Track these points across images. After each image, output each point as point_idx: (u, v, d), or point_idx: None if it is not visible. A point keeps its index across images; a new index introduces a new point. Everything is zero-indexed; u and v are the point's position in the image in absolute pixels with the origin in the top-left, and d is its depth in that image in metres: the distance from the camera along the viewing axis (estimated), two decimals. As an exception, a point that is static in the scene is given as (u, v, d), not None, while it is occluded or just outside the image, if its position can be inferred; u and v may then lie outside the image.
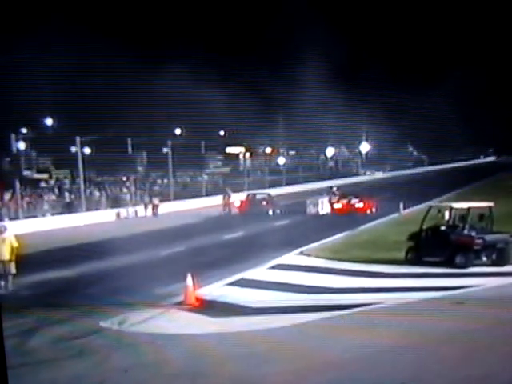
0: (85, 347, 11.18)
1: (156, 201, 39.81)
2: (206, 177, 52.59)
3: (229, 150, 66.92)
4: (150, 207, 39.65)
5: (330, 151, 71.71)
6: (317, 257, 20.11)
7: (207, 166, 53.40)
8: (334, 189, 38.15)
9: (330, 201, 36.20)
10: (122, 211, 39.35)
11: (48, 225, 33.55)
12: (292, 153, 71.04)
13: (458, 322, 11.61)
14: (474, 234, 17.78)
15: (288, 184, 56.96)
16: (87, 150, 42.65)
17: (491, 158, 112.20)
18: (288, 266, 18.87)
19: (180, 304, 14.15)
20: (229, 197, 40.02)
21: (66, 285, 17.18)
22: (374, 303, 13.64)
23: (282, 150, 65.78)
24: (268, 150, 66.39)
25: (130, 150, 46.87)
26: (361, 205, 34.61)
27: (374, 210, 34.08)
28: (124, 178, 45.64)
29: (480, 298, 13.88)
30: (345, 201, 35.63)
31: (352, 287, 15.46)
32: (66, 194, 39.89)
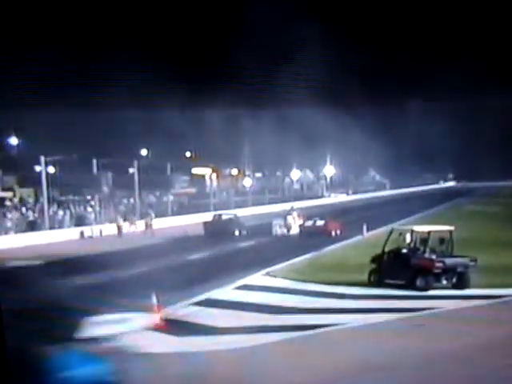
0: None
1: (120, 221, 39.31)
2: (171, 197, 52.53)
3: (195, 170, 67.02)
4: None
5: (295, 174, 72.41)
6: (283, 278, 20.29)
7: (173, 187, 53.39)
8: (295, 211, 38.15)
9: (285, 221, 36.32)
10: (87, 230, 38.94)
11: (11, 243, 33.05)
12: (258, 175, 71.54)
13: (418, 344, 11.85)
14: (434, 257, 18.18)
15: (254, 205, 57.19)
16: (51, 170, 42.30)
17: (451, 184, 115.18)
18: (254, 286, 18.99)
19: (144, 323, 14.07)
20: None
21: (23, 304, 16.89)
22: (338, 324, 13.85)
23: (248, 172, 66.19)
24: (234, 171, 66.70)
25: (95, 170, 46.62)
26: (326, 227, 34.89)
27: (338, 231, 34.43)
28: (89, 197, 45.27)
29: (440, 320, 14.20)
30: (310, 223, 35.87)
31: (316, 308, 15.65)
32: (30, 212, 39.38)
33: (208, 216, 41.02)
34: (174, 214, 48.83)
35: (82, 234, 38.41)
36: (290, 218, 36.64)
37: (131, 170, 47.23)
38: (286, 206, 42.74)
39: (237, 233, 36.01)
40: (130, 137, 52.44)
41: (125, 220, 40.57)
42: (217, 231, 35.60)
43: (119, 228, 38.45)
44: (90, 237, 38.25)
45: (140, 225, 40.36)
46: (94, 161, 45.77)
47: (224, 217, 39.03)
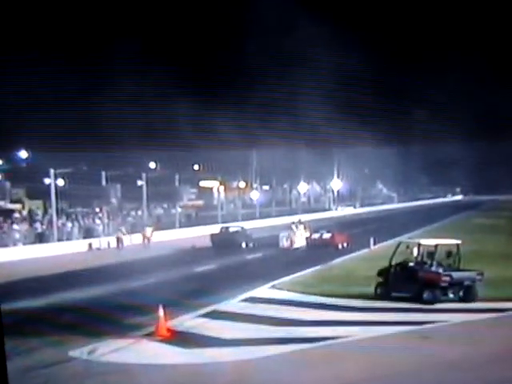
0: (52, 377, 11.16)
1: (120, 233, 39.09)
2: (179, 209, 52.78)
3: (203, 183, 67.30)
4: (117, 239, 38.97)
5: (302, 187, 72.48)
6: (289, 290, 20.32)
7: (181, 199, 53.62)
8: (302, 224, 38.24)
9: (292, 234, 36.33)
10: (95, 242, 39.12)
11: (19, 254, 33.24)
12: (265, 187, 71.66)
13: (425, 357, 11.86)
14: (441, 270, 18.16)
15: (261, 218, 57.31)
16: (61, 182, 42.62)
17: (458, 197, 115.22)
18: (260, 299, 19.04)
19: (151, 335, 14.17)
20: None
21: (35, 314, 17.06)
22: (344, 336, 13.87)
23: (255, 185, 66.38)
24: (242, 184, 66.88)
25: (103, 182, 46.93)
26: (332, 239, 34.86)
27: (345, 244, 34.40)
28: (97, 209, 45.58)
29: (447, 333, 14.20)
30: (317, 235, 35.87)
31: (323, 320, 15.67)
32: (38, 224, 39.64)
33: (215, 228, 41.17)
34: (181, 226, 49.03)
35: (90, 246, 38.59)
36: (297, 231, 36.73)
37: (140, 183, 47.49)
38: (294, 219, 42.80)
39: (244, 245, 36.15)
40: (139, 149, 52.78)
41: (132, 232, 40.74)
42: (224, 243, 35.76)
43: (119, 240, 38.26)
44: (98, 249, 38.41)
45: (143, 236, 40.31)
46: (103, 173, 46.01)
47: (231, 229, 39.23)
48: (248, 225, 45.01)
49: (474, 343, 12.75)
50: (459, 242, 19.03)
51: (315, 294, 19.25)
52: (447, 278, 17.80)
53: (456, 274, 17.99)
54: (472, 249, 23.40)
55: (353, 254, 30.68)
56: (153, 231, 41.39)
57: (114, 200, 49.76)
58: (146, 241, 39.77)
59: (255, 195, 63.66)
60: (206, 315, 16.60)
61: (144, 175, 46.55)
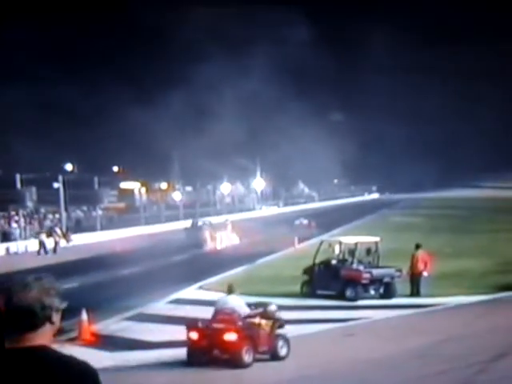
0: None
1: (42, 236, 37.44)
2: (100, 212, 51.67)
3: (123, 185, 66.10)
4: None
5: (225, 187, 72.58)
6: (217, 291, 20.24)
7: (101, 201, 52.41)
8: (229, 223, 39.16)
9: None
10: (12, 246, 37.75)
11: None
12: (188, 188, 71.22)
13: (349, 353, 12.13)
14: (361, 268, 18.64)
15: (185, 218, 57.20)
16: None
17: (375, 196, 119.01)
18: (187, 300, 18.91)
19: (74, 339, 13.78)
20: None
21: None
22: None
23: (177, 186, 65.87)
24: (164, 185, 66.25)
25: (18, 185, 45.28)
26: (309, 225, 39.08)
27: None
28: (13, 213, 43.90)
29: (369, 329, 14.58)
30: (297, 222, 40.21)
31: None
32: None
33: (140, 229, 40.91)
34: (103, 228, 48.21)
35: (7, 250, 37.30)
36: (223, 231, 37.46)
37: (56, 185, 46.22)
38: (219, 220, 43.17)
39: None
40: (55, 151, 51.55)
41: (49, 236, 39.27)
42: (195, 236, 37.76)
43: (40, 244, 36.59)
44: (16, 253, 37.09)
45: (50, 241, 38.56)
46: (18, 176, 44.36)
47: (200, 223, 41.49)
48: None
49: (394, 339, 13.10)
50: (378, 239, 19.59)
51: (243, 294, 19.26)
52: (368, 275, 18.24)
53: (376, 271, 18.48)
54: (390, 247, 24.12)
55: (279, 253, 30.98)
56: (55, 236, 39.93)
57: (29, 203, 47.97)
58: (41, 247, 37.84)
59: (178, 196, 63.16)
60: (131, 318, 16.34)
61: (60, 177, 45.29)
